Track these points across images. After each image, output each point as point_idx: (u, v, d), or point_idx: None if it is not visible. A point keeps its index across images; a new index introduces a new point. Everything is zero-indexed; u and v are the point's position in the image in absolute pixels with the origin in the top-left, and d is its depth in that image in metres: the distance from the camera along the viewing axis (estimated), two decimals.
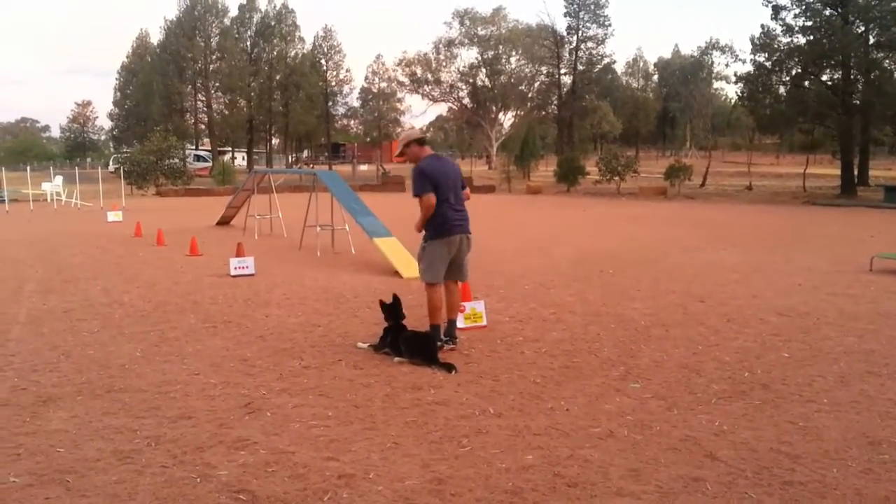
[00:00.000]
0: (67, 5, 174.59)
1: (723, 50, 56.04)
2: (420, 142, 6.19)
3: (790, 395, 4.85)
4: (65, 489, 3.47)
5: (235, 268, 9.99)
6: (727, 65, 65.74)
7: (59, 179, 30.21)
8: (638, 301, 8.12)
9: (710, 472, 3.63)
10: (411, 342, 5.73)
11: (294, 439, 4.10)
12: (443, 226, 5.95)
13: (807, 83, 31.57)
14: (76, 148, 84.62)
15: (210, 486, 3.49)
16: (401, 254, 10.38)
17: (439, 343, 5.93)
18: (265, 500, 3.34)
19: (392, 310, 5.97)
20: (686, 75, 69.66)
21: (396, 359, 5.70)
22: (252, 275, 9.95)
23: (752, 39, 31.61)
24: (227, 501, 3.33)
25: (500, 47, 57.90)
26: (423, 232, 6.09)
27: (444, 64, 59.58)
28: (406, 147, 6.19)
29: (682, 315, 7.39)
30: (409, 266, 10.00)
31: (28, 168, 33.16)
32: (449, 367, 5.44)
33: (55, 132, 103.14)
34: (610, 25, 53.92)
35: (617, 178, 32.88)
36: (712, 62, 63.35)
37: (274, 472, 3.63)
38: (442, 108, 67.30)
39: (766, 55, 31.50)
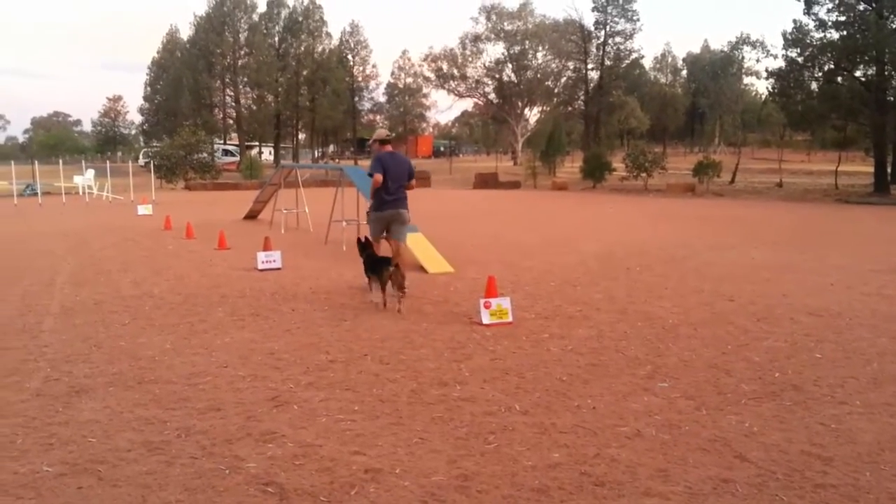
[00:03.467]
0: (97, 2, 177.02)
1: (753, 45, 55.07)
2: (382, 142, 8.40)
3: (822, 397, 4.77)
4: (97, 479, 3.52)
5: (263, 262, 10.07)
6: (758, 60, 64.71)
7: (90, 173, 30.65)
8: (666, 299, 8.05)
9: (739, 474, 3.59)
10: (371, 263, 7.78)
11: (321, 433, 4.12)
12: (380, 205, 8.16)
13: (840, 79, 30.98)
14: (107, 142, 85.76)
15: (239, 477, 3.52)
16: (426, 249, 10.38)
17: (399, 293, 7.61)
18: (293, 493, 3.36)
19: (364, 246, 8.14)
20: (716, 70, 68.69)
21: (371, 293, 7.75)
22: (279, 269, 10.02)
23: (784, 34, 31.09)
24: (256, 493, 3.36)
25: (527, 42, 57.68)
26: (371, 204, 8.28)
27: (470, 59, 59.55)
28: (373, 143, 8.59)
29: (711, 314, 7.31)
30: (434, 261, 10.02)
31: (60, 162, 33.68)
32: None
33: (87, 126, 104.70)
34: (638, 20, 53.45)
35: (644, 174, 32.56)
36: (743, 57, 62.40)
37: (301, 466, 3.66)
38: (467, 104, 67.22)
39: (799, 50, 30.98)
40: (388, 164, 8.09)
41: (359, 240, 8.34)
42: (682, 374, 5.22)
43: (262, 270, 9.91)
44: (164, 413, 4.43)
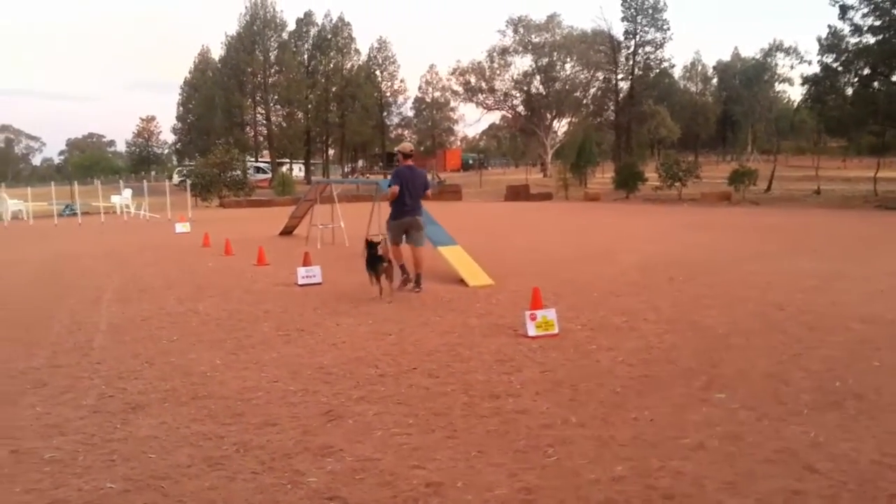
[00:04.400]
0: (129, 24, 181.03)
1: (787, 51, 54.57)
2: (405, 155, 9.53)
3: (886, 406, 4.64)
4: (161, 495, 3.54)
5: (303, 277, 10.12)
6: (792, 67, 63.82)
7: (128, 192, 31.21)
8: (713, 308, 7.92)
9: (810, 485, 3.49)
10: (371, 260, 8.72)
11: (378, 447, 4.11)
12: (399, 214, 9.28)
13: (876, 84, 30.48)
14: (141, 161, 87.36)
15: (301, 492, 3.51)
16: (466, 262, 10.35)
17: (417, 289, 9.29)
18: None
19: (370, 245, 8.76)
20: (749, 78, 68.01)
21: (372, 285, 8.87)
22: (319, 283, 10.07)
23: (818, 40, 30.75)
24: None
25: (555, 54, 57.65)
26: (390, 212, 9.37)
27: (497, 72, 59.64)
28: (398, 155, 9.69)
29: (762, 323, 7.17)
30: (475, 274, 9.98)
31: (98, 182, 34.35)
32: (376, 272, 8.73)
33: (120, 147, 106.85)
34: (668, 29, 53.08)
35: (678, 183, 32.24)
36: (776, 64, 61.75)
37: (362, 480, 3.64)
38: (495, 117, 67.33)
39: (834, 56, 30.57)
40: (406, 177, 9.24)
41: (367, 240, 9.04)
42: (739, 385, 5.11)
43: (302, 286, 9.97)
44: (220, 428, 4.45)
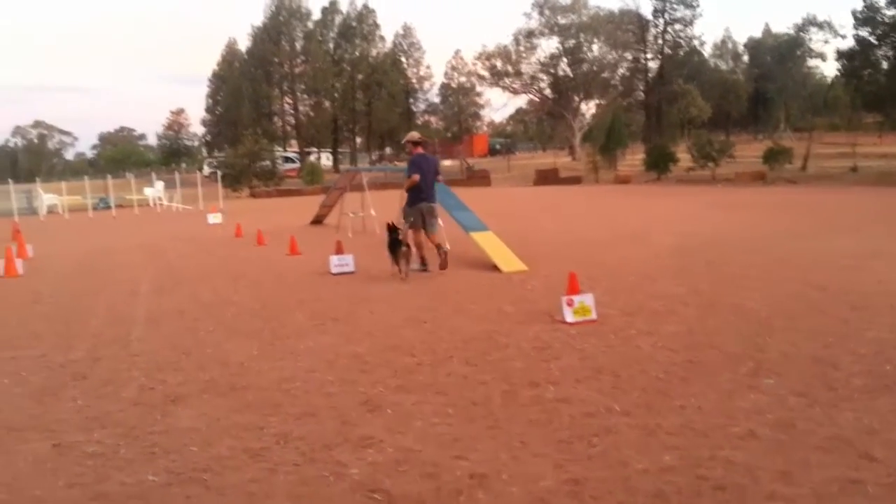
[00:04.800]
0: (157, 19, 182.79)
1: (821, 26, 53.21)
2: (415, 144, 10.06)
3: None
4: (204, 488, 3.53)
5: (335, 265, 10.12)
6: (826, 41, 62.24)
7: (160, 185, 31.57)
8: (753, 290, 7.73)
9: (868, 474, 3.37)
10: (392, 244, 9.51)
11: (419, 437, 4.06)
12: (416, 200, 9.77)
13: None
14: (171, 154, 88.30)
15: (344, 484, 3.48)
16: (499, 248, 10.26)
17: (423, 269, 9.85)
18: (401, 500, 3.30)
19: (391, 230, 9.56)
20: (781, 54, 66.47)
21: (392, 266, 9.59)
22: (352, 272, 10.06)
23: (853, 13, 29.97)
24: (364, 501, 3.31)
25: (582, 35, 56.90)
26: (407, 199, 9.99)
27: (524, 55, 59.01)
28: (407, 144, 10.36)
29: (805, 305, 6.98)
30: (508, 260, 9.89)
31: (131, 175, 34.80)
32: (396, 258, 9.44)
33: (151, 140, 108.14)
34: (697, 6, 52.14)
35: (711, 164, 31.69)
36: (810, 39, 60.25)
37: (405, 472, 3.59)
38: (522, 101, 66.77)
39: (870, 29, 29.78)
40: (422, 165, 9.74)
41: (388, 224, 9.72)
42: (787, 370, 4.96)
43: (335, 274, 9.96)
44: (260, 419, 4.43)
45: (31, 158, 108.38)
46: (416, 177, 9.56)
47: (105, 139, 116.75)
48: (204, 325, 7.20)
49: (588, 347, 5.81)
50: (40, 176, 46.90)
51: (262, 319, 7.32)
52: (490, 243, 10.39)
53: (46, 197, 29.26)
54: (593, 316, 6.70)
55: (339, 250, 10.47)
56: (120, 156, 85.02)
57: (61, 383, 5.38)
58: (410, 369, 5.39)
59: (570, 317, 6.63)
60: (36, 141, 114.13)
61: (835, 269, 8.82)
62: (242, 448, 3.98)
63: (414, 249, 9.77)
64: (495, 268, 9.75)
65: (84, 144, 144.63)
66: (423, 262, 9.92)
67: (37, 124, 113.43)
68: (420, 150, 10.02)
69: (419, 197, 9.73)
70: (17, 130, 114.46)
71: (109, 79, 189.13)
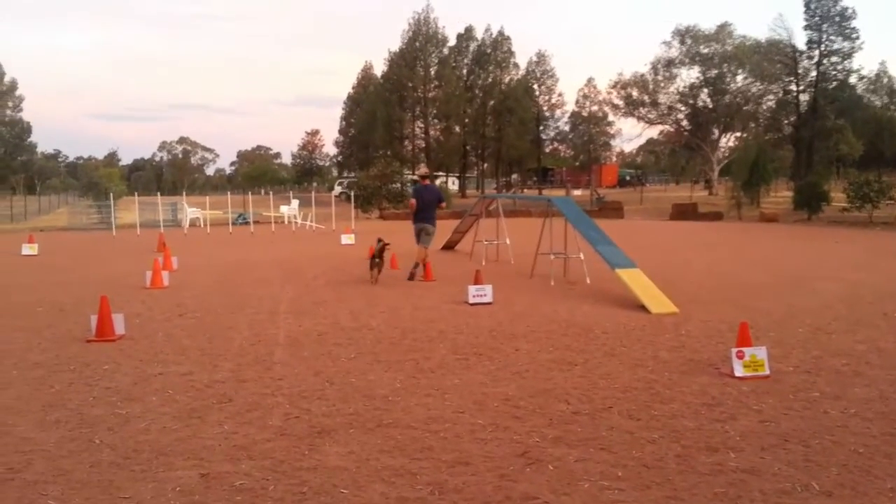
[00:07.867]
0: (292, 45, 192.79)
1: None
2: (422, 177, 13.09)
3: None
4: None
5: (473, 295, 9.80)
6: None
7: (295, 203, 32.64)
8: None
9: None
10: (375, 254, 11.83)
11: (588, 502, 3.60)
12: (415, 220, 12.39)
13: None
14: (305, 173, 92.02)
15: None
16: (647, 287, 9.61)
17: (409, 280, 12.14)
18: None
19: (380, 250, 11.88)
20: None
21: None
22: (490, 303, 9.71)
23: None
24: None
25: (725, 65, 54.61)
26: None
27: (662, 84, 57.31)
28: (418, 177, 13.47)
29: None
30: (657, 300, 9.24)
31: (268, 193, 36.27)
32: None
33: (285, 158, 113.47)
34: (857, 38, 48.62)
35: (868, 205, 29.26)
36: None
37: None
38: (654, 131, 64.59)
39: None
40: (421, 193, 12.52)
41: (378, 239, 12.13)
42: None
43: (472, 304, 9.65)
44: (410, 463, 4.12)
45: (175, 172, 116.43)
46: (413, 202, 12.30)
47: (242, 156, 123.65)
48: (345, 351, 7.03)
49: (766, 408, 5.16)
50: (183, 189, 49.74)
51: (402, 349, 7.08)
52: (637, 281, 9.77)
53: (190, 210, 30.78)
54: (766, 371, 6.01)
55: (477, 280, 10.16)
56: (256, 173, 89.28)
57: (207, 405, 5.29)
58: (567, 419, 4.94)
59: (739, 370, 5.98)
60: (180, 156, 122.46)
61: None
62: (396, 496, 3.67)
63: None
64: (643, 308, 9.12)
65: (224, 161, 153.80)
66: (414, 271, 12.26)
67: (181, 140, 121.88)
68: (426, 182, 12.96)
69: (418, 217, 12.32)
70: (164, 146, 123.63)
71: (249, 100, 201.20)
